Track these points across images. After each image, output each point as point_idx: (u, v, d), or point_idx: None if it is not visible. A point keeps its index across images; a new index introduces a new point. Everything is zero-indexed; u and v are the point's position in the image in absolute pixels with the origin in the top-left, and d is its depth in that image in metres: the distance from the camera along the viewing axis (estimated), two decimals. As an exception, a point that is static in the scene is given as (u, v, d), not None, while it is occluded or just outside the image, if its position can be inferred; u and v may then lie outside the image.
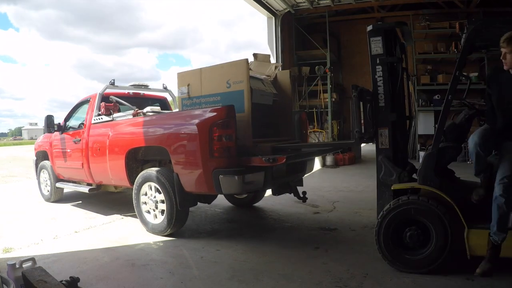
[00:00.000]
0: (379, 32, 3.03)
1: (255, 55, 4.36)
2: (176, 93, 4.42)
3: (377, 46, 3.03)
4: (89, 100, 5.03)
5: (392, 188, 2.97)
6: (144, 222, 4.00)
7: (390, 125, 3.03)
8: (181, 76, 3.98)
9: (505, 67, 2.74)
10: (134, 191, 4.04)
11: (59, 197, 5.88)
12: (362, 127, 3.06)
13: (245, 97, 3.45)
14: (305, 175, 4.51)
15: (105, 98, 4.93)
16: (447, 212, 2.67)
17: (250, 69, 4.18)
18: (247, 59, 3.52)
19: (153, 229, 3.88)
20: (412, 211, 2.75)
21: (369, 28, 3.08)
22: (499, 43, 2.76)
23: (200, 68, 3.87)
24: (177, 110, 4.68)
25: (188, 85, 3.88)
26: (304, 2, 10.97)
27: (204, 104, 3.78)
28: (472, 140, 2.70)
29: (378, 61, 3.03)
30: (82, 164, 4.80)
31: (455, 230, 2.65)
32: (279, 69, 4.31)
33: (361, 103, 3.04)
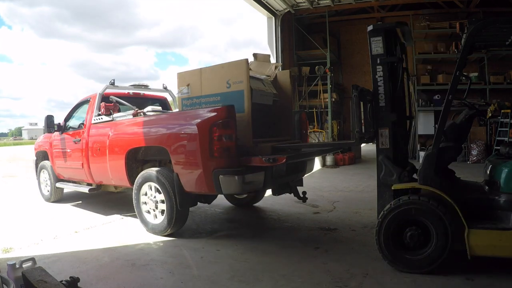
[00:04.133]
0: (379, 32, 3.03)
1: (255, 55, 4.35)
2: (176, 93, 4.41)
3: (377, 46, 3.02)
4: (89, 100, 5.03)
5: (392, 188, 2.97)
6: (144, 222, 3.99)
7: (390, 125, 3.02)
8: (181, 76, 3.98)
9: None
10: (134, 191, 4.04)
11: (59, 197, 5.87)
12: (362, 127, 3.06)
13: (245, 97, 3.45)
14: (305, 175, 4.51)
15: (105, 98, 4.93)
16: (448, 212, 2.67)
17: (250, 69, 4.16)
18: (247, 59, 3.52)
19: (153, 229, 3.88)
20: (413, 211, 2.75)
21: (370, 28, 3.08)
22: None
23: (200, 68, 3.88)
24: (177, 110, 4.68)
25: (188, 85, 3.88)
26: (304, 2, 10.97)
27: (204, 104, 3.78)
28: None
29: (378, 61, 3.02)
30: (82, 164, 4.80)
31: (456, 230, 2.65)
32: (279, 69, 4.30)
33: (361, 103, 3.03)
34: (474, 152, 9.60)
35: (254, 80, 3.91)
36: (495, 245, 2.59)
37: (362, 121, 3.07)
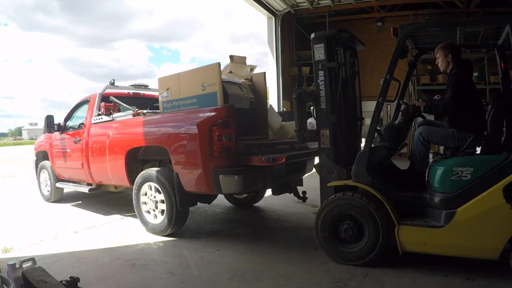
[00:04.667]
0: (321, 39, 3.20)
1: (231, 57, 4.47)
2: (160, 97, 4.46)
3: (319, 52, 3.21)
4: (89, 100, 5.04)
5: (328, 185, 3.13)
6: (144, 222, 4.00)
7: (330, 126, 3.17)
8: (162, 81, 4.09)
9: (441, 70, 3.18)
10: (134, 191, 4.04)
11: (59, 197, 5.87)
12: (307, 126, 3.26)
13: (218, 98, 3.55)
14: (305, 175, 4.52)
15: (105, 98, 4.93)
16: (379, 209, 2.77)
17: (230, 71, 4.30)
18: (219, 63, 3.64)
19: (153, 229, 3.88)
20: (347, 207, 2.90)
21: (312, 35, 3.26)
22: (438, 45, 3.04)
23: (178, 73, 4.01)
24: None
25: (168, 89, 3.97)
26: (304, 2, 10.98)
27: (183, 107, 3.85)
28: None
29: (320, 67, 3.20)
30: (82, 164, 4.80)
31: (387, 226, 2.75)
32: (254, 70, 4.37)
33: (306, 104, 3.23)
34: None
35: (231, 85, 3.98)
36: (425, 242, 2.67)
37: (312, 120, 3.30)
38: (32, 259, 2.48)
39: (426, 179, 2.90)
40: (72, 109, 5.55)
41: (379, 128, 3.19)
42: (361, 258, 2.84)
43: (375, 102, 2.95)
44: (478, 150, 2.82)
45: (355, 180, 2.98)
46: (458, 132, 2.89)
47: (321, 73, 3.20)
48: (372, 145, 2.99)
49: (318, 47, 3.20)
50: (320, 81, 3.21)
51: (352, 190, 2.96)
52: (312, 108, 3.44)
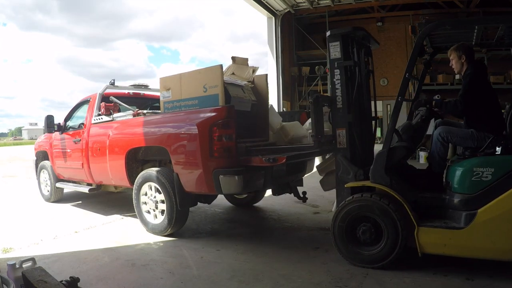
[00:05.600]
0: (337, 37, 3.13)
1: (233, 58, 4.46)
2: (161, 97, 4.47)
3: (335, 50, 3.14)
4: (89, 100, 5.04)
5: (345, 186, 3.06)
6: (144, 222, 4.00)
7: (347, 126, 3.12)
8: (163, 81, 4.08)
9: (456, 72, 3.14)
10: (134, 191, 4.04)
11: (59, 197, 5.88)
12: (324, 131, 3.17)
13: (219, 100, 3.54)
14: (305, 175, 4.52)
15: (105, 98, 4.93)
16: (398, 210, 2.73)
17: (233, 73, 4.29)
18: (221, 65, 3.63)
19: (153, 229, 3.89)
20: (365, 208, 2.84)
21: (328, 33, 3.19)
22: (455, 44, 3.05)
23: (180, 73, 4.01)
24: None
25: (169, 89, 3.97)
26: (304, 2, 10.99)
27: (184, 108, 3.84)
28: None
29: (336, 65, 3.13)
30: (82, 164, 4.80)
31: (406, 227, 2.71)
32: (256, 72, 4.36)
33: (323, 108, 3.15)
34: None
35: (234, 87, 3.97)
36: (445, 243, 2.63)
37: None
38: (32, 259, 2.48)
39: (444, 179, 2.86)
40: (72, 109, 5.55)
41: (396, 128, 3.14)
42: (381, 260, 2.78)
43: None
44: (498, 150, 2.77)
45: (373, 181, 2.91)
46: (478, 132, 2.85)
47: (337, 71, 3.12)
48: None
49: (334, 45, 3.13)
50: (336, 79, 3.13)
51: (370, 191, 2.91)
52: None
